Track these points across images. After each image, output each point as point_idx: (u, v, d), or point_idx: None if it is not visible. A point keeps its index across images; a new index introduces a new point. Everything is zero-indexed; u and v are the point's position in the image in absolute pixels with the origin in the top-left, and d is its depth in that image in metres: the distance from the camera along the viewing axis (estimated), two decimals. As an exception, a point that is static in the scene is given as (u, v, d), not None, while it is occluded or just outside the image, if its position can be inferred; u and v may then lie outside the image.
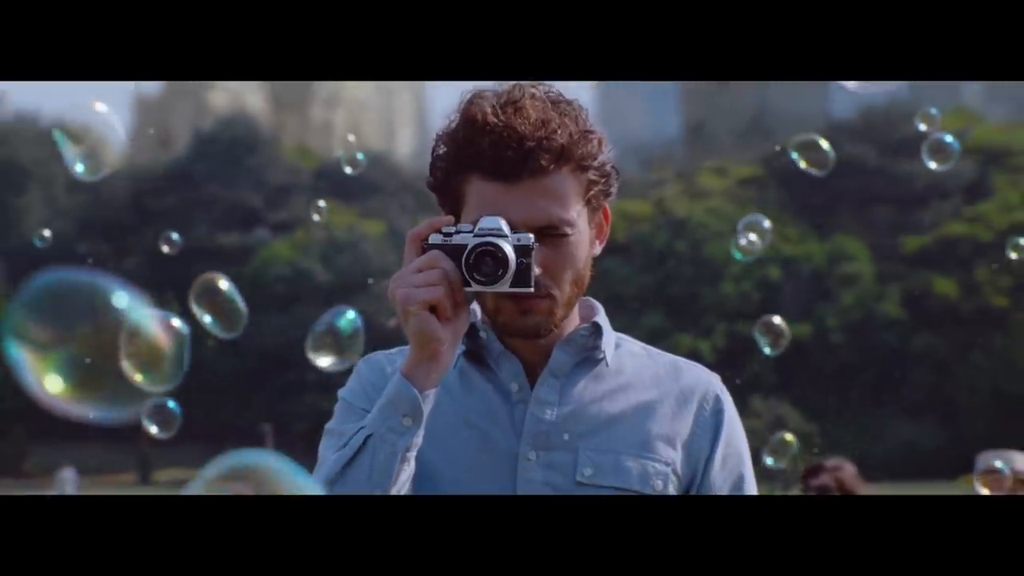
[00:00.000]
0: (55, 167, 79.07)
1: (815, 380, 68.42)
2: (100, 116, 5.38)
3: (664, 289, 67.99)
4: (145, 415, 6.70)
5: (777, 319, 6.71)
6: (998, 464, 6.29)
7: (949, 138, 6.88)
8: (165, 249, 9.14)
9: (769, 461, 6.90)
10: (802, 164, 7.00)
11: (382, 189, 79.06)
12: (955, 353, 65.25)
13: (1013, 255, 10.59)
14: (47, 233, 14.89)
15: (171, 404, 6.93)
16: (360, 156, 10.11)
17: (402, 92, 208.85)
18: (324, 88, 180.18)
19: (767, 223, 6.70)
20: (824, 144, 6.54)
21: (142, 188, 77.97)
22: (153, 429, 6.73)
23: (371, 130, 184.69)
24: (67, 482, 40.67)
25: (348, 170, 10.56)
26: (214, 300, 7.06)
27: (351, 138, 10.42)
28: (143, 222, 77.33)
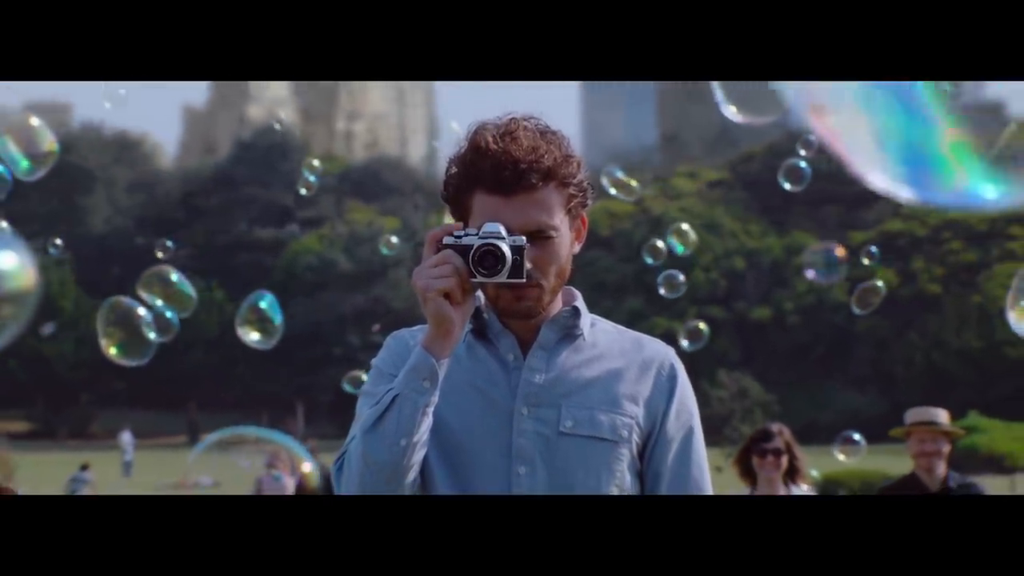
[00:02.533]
0: (116, 171, 79.04)
1: (773, 356, 68.41)
2: (35, 126, 5.32)
3: (643, 277, 67.84)
4: (146, 325, 6.68)
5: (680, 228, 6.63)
6: (856, 436, 6.34)
7: (803, 164, 6.97)
8: (160, 255, 8.52)
9: (685, 344, 6.87)
10: (612, 191, 7.16)
11: (397, 190, 78.93)
12: (894, 333, 65.29)
13: (866, 261, 10.68)
14: (59, 241, 14.77)
15: (170, 314, 6.90)
16: (313, 179, 10.04)
17: (415, 106, 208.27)
18: (347, 103, 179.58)
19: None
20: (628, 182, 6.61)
21: (191, 189, 77.79)
22: (152, 335, 6.69)
23: (388, 139, 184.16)
24: (126, 443, 40.68)
25: (303, 191, 10.50)
26: (165, 288, 7.04)
27: (315, 162, 10.30)
28: (192, 218, 77.18)
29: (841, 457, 6.31)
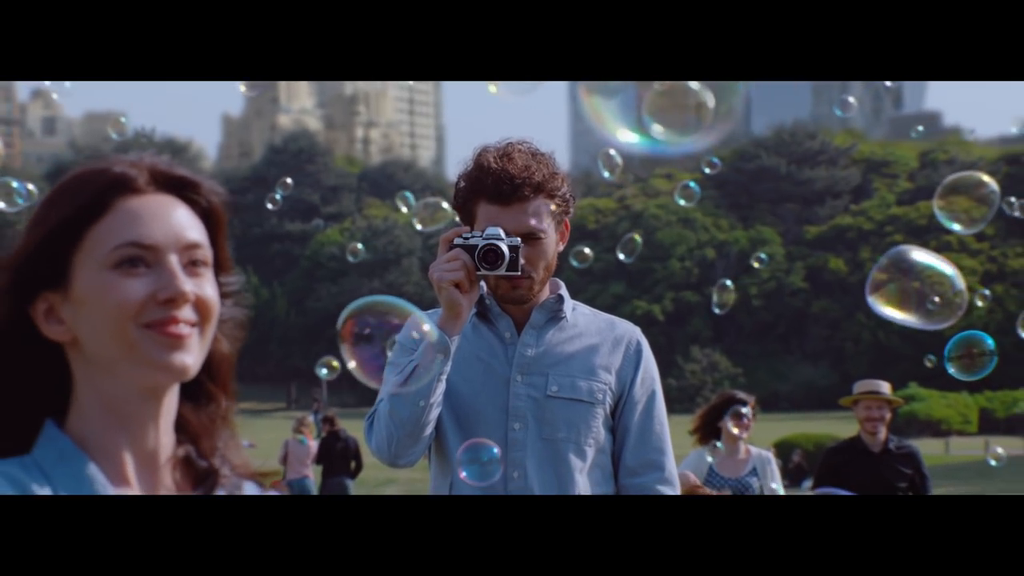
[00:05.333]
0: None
1: (740, 334, 68.39)
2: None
3: (625, 265, 67.76)
4: None
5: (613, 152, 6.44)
6: (744, 410, 6.33)
7: (693, 184, 7.08)
8: None
9: (622, 256, 6.78)
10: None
11: (409, 189, 78.78)
12: (844, 314, 65.30)
13: (756, 264, 10.66)
14: None
15: None
16: (279, 197, 9.95)
17: (424, 115, 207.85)
18: (364, 113, 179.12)
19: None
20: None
21: (229, 188, 75.98)
22: None
23: (400, 144, 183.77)
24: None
25: (269, 206, 10.43)
26: None
27: (288, 180, 10.30)
28: (230, 213, 76.86)
29: (735, 431, 6.34)
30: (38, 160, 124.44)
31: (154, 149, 1.47)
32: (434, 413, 2.59)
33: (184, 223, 1.36)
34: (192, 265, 1.35)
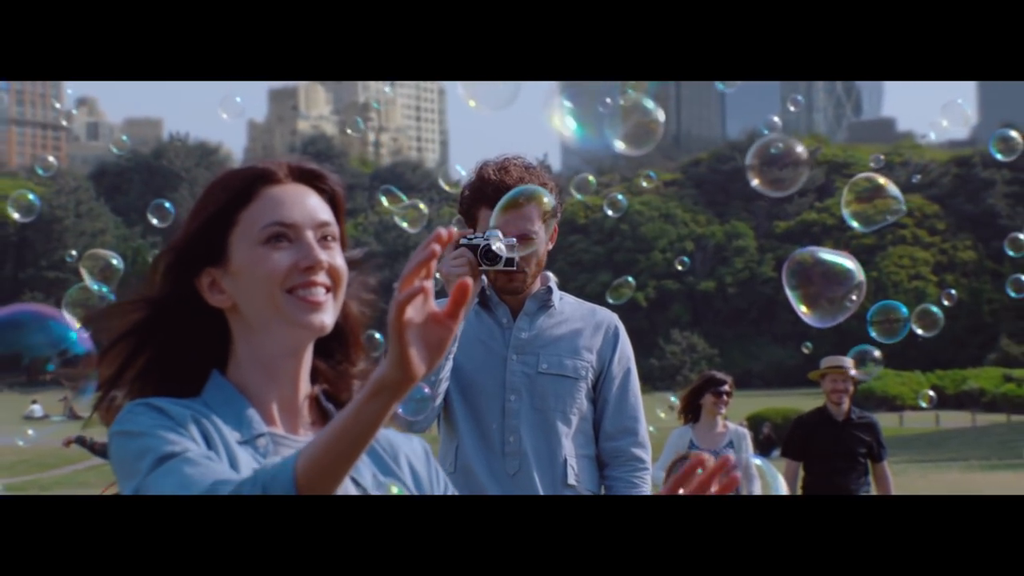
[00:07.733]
0: (197, 173, 78.70)
1: (716, 318, 68.42)
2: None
3: (612, 256, 67.72)
4: (151, 212, 6.51)
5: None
6: (672, 398, 6.31)
7: (620, 196, 7.12)
8: (155, 221, 7.61)
9: (578, 196, 6.66)
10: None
11: (416, 187, 78.85)
12: (810, 300, 65.16)
13: (679, 267, 10.52)
14: (74, 252, 14.48)
15: (167, 204, 6.70)
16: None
17: (430, 121, 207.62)
18: (376, 119, 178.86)
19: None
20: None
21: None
22: (155, 221, 6.52)
23: (408, 147, 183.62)
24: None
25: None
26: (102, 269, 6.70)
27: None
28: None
29: (662, 416, 6.37)
30: (83, 162, 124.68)
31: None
32: (443, 387, 2.78)
33: (317, 206, 1.52)
34: (324, 240, 1.50)
